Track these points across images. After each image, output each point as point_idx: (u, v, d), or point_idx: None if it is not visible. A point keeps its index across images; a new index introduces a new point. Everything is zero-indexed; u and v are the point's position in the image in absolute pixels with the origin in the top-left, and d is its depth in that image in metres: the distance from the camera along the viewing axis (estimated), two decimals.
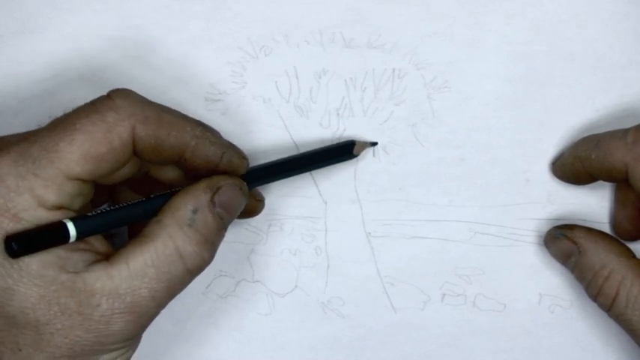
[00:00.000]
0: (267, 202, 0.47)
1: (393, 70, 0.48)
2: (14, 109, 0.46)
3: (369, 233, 0.48)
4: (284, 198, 0.48)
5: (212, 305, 0.48)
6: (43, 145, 0.37)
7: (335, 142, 0.47)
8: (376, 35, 0.47)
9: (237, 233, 0.48)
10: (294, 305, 0.48)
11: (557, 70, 0.48)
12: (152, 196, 0.40)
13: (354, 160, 0.47)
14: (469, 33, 0.48)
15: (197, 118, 0.42)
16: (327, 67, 0.47)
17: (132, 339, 0.39)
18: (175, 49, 0.47)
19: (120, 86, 0.40)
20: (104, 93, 0.40)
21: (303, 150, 0.47)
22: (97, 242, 0.39)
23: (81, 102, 0.40)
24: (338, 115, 0.48)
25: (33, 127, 0.46)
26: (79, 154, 0.37)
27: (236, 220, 0.47)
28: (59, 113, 0.39)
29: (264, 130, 0.47)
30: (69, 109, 0.39)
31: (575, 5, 0.48)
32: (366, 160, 0.48)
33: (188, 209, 0.39)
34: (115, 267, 0.38)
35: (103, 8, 0.47)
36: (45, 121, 0.40)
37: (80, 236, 0.37)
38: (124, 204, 0.40)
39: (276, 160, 0.46)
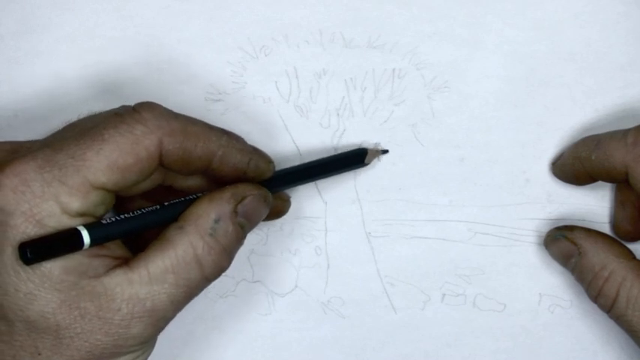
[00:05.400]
0: None
1: (393, 70, 0.48)
2: (13, 110, 0.46)
3: (369, 233, 0.48)
4: None
5: (212, 305, 0.48)
6: (69, 153, 0.37)
7: (335, 142, 0.47)
8: (376, 35, 0.47)
9: None
10: (294, 305, 0.48)
11: (557, 70, 0.48)
12: (167, 203, 0.40)
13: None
14: (469, 33, 0.48)
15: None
16: (327, 67, 0.47)
17: (149, 341, 0.40)
18: (175, 49, 0.47)
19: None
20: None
21: (302, 150, 0.47)
22: (116, 247, 0.39)
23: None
24: (338, 115, 0.48)
25: (32, 127, 0.46)
26: (106, 164, 0.38)
27: None
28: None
29: (264, 130, 0.47)
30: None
31: (575, 5, 0.48)
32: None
33: (211, 218, 0.40)
34: (135, 272, 0.38)
35: (103, 8, 0.47)
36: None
37: (94, 243, 0.37)
38: (140, 211, 0.39)
39: (297, 166, 0.46)
